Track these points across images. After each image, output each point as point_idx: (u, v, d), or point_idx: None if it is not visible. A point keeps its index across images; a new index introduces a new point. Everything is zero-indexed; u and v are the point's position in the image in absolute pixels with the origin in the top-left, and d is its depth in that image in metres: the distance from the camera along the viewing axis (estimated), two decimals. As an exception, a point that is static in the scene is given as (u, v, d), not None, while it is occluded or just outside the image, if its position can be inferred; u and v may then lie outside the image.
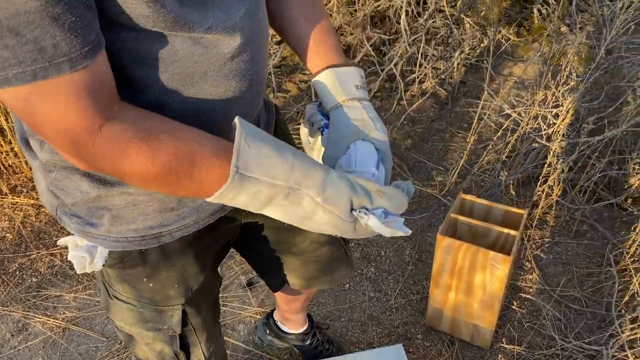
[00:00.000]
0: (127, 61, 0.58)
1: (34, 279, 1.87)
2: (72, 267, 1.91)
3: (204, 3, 0.60)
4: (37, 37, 0.48)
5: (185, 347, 0.88)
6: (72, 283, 1.85)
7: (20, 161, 2.26)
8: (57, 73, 0.50)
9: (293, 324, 1.48)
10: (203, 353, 0.91)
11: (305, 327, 1.49)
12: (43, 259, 1.94)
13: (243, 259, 1.90)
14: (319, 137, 0.79)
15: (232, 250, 1.99)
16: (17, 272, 1.90)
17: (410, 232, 0.65)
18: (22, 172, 2.28)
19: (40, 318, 1.73)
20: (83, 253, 0.70)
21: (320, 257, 1.01)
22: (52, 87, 0.51)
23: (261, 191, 0.59)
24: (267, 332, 1.54)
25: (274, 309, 1.53)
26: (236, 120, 0.60)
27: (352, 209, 0.62)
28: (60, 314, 1.74)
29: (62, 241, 0.73)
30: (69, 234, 2.05)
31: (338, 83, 0.75)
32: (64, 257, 1.95)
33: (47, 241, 2.02)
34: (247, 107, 0.72)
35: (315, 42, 0.78)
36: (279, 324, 1.51)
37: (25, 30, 0.47)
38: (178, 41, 0.59)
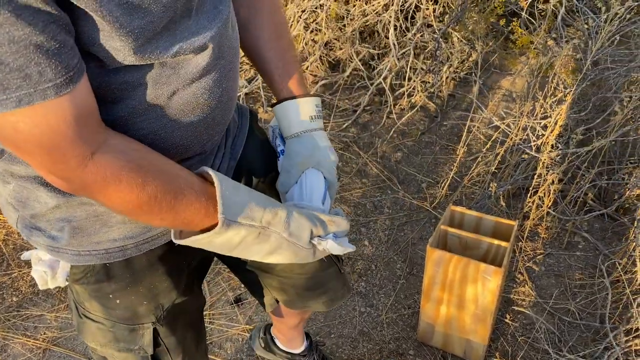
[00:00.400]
0: (95, 86, 0.57)
1: (14, 298, 1.82)
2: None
3: (172, 29, 0.59)
4: (22, 65, 0.48)
5: None
6: (54, 302, 1.80)
7: (4, 178, 2.22)
8: (42, 99, 0.50)
9: (290, 343, 1.43)
10: None
11: (302, 349, 1.44)
12: (25, 278, 1.89)
13: (230, 275, 1.86)
14: (278, 161, 0.88)
15: (219, 266, 1.94)
16: (-2, 292, 1.84)
17: (354, 247, 0.77)
18: (6, 189, 2.23)
19: (20, 339, 1.67)
20: (45, 268, 0.67)
21: (308, 274, 0.96)
22: (40, 114, 0.51)
23: (239, 233, 0.64)
24: (262, 345, 1.49)
25: (272, 323, 1.48)
26: (209, 171, 0.64)
27: (310, 239, 0.72)
28: (41, 334, 1.69)
29: (25, 255, 0.69)
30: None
31: (294, 114, 0.82)
32: (47, 276, 1.90)
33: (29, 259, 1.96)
34: (217, 121, 0.71)
35: (279, 73, 0.83)
36: (276, 340, 1.46)
37: (9, 59, 0.48)
38: (146, 66, 0.59)
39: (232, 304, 1.78)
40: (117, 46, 0.54)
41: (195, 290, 0.87)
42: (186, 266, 0.83)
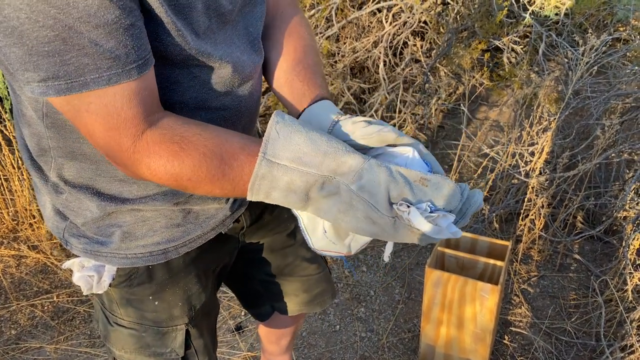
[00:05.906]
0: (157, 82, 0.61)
1: (13, 331, 1.80)
2: (53, 318, 1.85)
3: (214, 37, 0.66)
4: (113, 46, 0.53)
5: None
6: (54, 334, 1.79)
7: (2, 212, 2.23)
8: (127, 78, 0.55)
9: None
10: None
11: None
12: (23, 311, 1.88)
13: (230, 303, 1.87)
14: None
15: (219, 294, 1.94)
16: (-4, 325, 1.83)
17: (461, 233, 0.57)
18: (4, 224, 2.24)
19: (18, 372, 1.65)
20: (90, 272, 0.70)
21: (308, 276, 1.03)
22: (111, 94, 0.55)
23: (294, 181, 0.57)
24: None
25: None
26: (273, 114, 0.59)
27: (392, 204, 0.55)
28: (41, 367, 1.67)
29: (67, 264, 0.73)
30: (49, 282, 1.99)
31: (322, 110, 0.69)
32: (45, 308, 1.89)
33: (27, 292, 1.96)
34: (247, 129, 0.77)
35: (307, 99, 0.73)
36: None
37: (103, 40, 0.52)
38: (195, 69, 0.65)
39: (233, 331, 1.78)
40: (175, 42, 0.59)
41: (215, 295, 0.91)
42: (212, 271, 0.87)
